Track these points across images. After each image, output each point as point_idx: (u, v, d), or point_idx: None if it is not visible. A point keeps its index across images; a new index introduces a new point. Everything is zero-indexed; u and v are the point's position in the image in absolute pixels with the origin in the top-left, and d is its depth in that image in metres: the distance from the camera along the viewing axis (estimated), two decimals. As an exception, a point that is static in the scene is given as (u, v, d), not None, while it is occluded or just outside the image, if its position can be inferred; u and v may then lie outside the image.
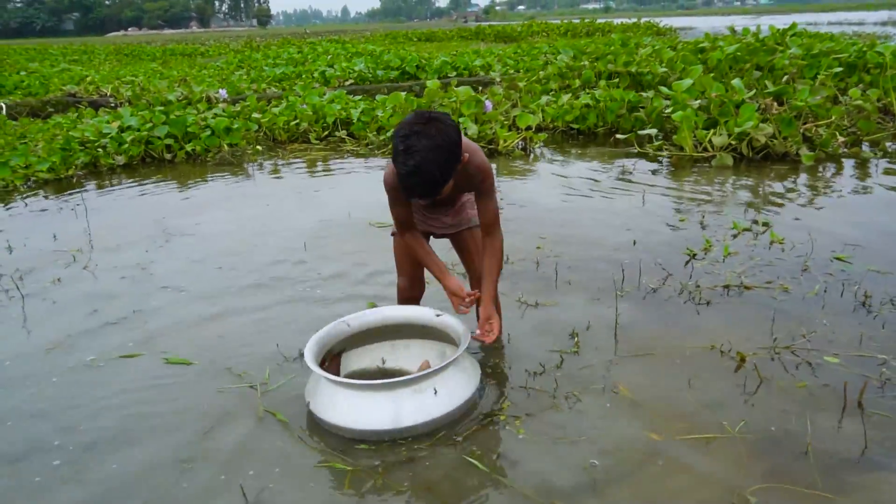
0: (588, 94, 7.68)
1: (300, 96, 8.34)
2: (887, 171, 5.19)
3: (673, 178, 5.28)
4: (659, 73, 8.43)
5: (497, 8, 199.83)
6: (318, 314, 2.99)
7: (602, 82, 8.29)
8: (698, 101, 6.25)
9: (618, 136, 6.75)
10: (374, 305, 2.95)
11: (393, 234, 2.50)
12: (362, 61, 12.45)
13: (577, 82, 8.65)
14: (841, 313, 2.80)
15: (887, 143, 6.12)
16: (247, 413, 2.26)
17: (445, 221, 2.48)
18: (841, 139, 5.68)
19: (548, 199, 4.76)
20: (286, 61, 15.15)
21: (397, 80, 11.47)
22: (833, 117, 5.97)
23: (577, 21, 34.21)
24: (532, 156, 6.34)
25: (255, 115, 7.70)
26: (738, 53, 8.63)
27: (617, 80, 8.53)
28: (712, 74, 7.41)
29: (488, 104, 6.94)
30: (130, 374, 2.57)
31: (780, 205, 4.42)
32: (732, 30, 12.39)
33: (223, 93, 9.42)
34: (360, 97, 8.30)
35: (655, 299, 3.01)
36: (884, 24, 33.85)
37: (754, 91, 6.41)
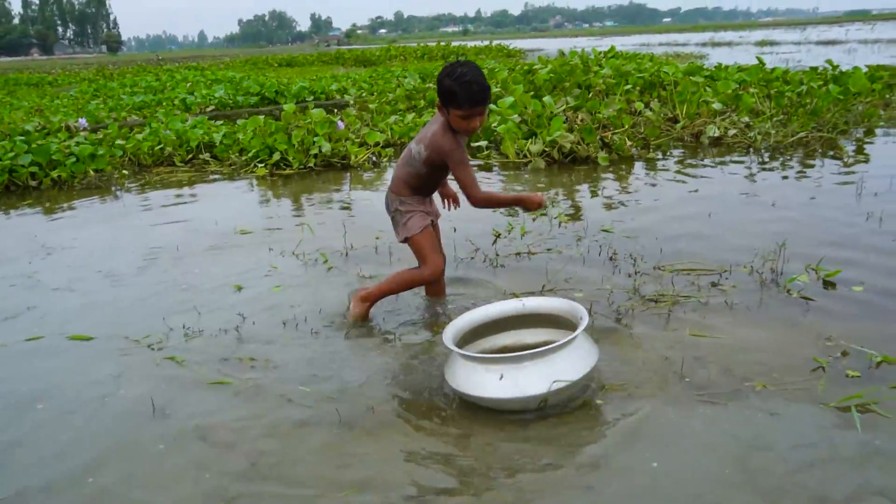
0: (431, 112, 8.67)
1: (163, 122, 8.78)
2: (661, 168, 6.49)
3: (498, 180, 6.31)
4: (493, 92, 9.59)
5: (359, 32, 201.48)
6: (183, 297, 3.66)
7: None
8: (519, 116, 7.38)
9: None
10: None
11: (411, 235, 3.06)
12: (222, 88, 12.92)
13: (423, 102, 9.66)
14: (594, 265, 3.83)
15: (671, 147, 7.50)
16: (148, 362, 2.93)
17: (432, 203, 3.25)
18: (629, 143, 6.96)
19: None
20: (144, 89, 15.27)
21: (257, 105, 12.06)
22: (625, 126, 7.28)
23: (434, 45, 35.85)
24: (380, 168, 7.21)
25: (119, 141, 8.07)
26: (558, 74, 9.97)
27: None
28: (531, 93, 8.58)
29: (340, 124, 7.77)
30: (41, 350, 3.14)
31: (573, 194, 5.53)
32: (561, 52, 13.97)
33: (83, 122, 9.65)
34: (221, 122, 8.86)
35: (465, 266, 3.92)
36: (703, 44, 37.90)
37: (565, 106, 7.63)
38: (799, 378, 2.57)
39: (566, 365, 2.33)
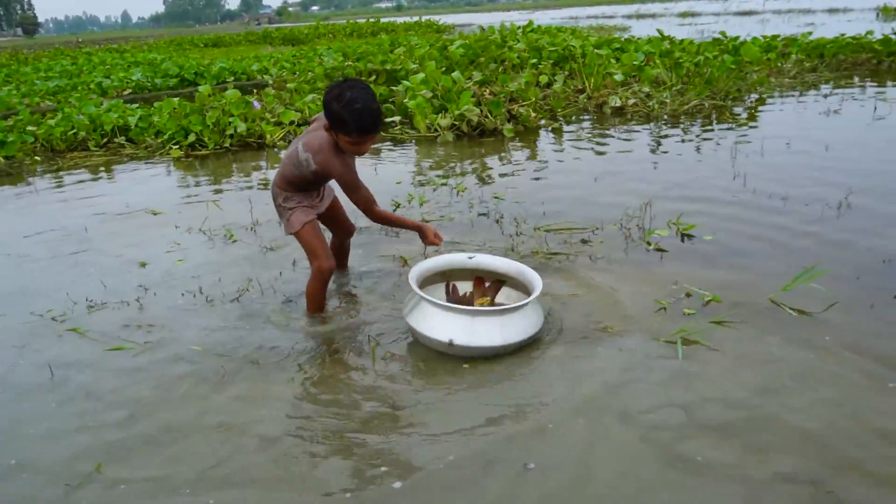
0: (346, 90, 8.82)
1: (76, 107, 8.68)
2: (560, 139, 6.85)
3: (412, 153, 6.56)
4: (410, 68, 9.79)
5: (290, 9, 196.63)
6: (89, 274, 3.82)
7: (364, 80, 9.49)
8: (431, 92, 7.63)
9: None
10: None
11: (294, 232, 3.02)
12: (140, 71, 12.73)
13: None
14: (481, 228, 4.14)
15: (577, 117, 7.88)
16: (51, 334, 3.10)
17: (324, 198, 3.17)
18: (534, 115, 7.29)
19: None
20: (59, 74, 14.85)
21: (176, 87, 11.94)
22: (531, 99, 7.61)
23: (363, 21, 35.59)
24: (297, 146, 7.37)
25: (30, 127, 7.98)
26: (474, 49, 10.23)
27: (375, 77, 9.79)
28: (446, 69, 8.82)
29: (256, 104, 7.86)
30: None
31: (475, 165, 5.83)
32: (481, 28, 14.22)
33: (-8, 109, 9.42)
34: (137, 105, 8.82)
35: (364, 233, 4.18)
36: (629, 16, 38.69)
37: (473, 81, 7.91)
38: (646, 318, 2.94)
39: (522, 324, 2.66)
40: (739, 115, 7.37)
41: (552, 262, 3.59)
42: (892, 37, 10.73)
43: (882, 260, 3.34)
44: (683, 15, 35.58)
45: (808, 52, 10.59)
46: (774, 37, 11.25)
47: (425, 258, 3.29)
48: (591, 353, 2.67)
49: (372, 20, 36.28)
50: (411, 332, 2.82)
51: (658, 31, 10.49)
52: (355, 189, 2.82)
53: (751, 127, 6.73)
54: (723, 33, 10.39)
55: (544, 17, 45.53)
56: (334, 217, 3.35)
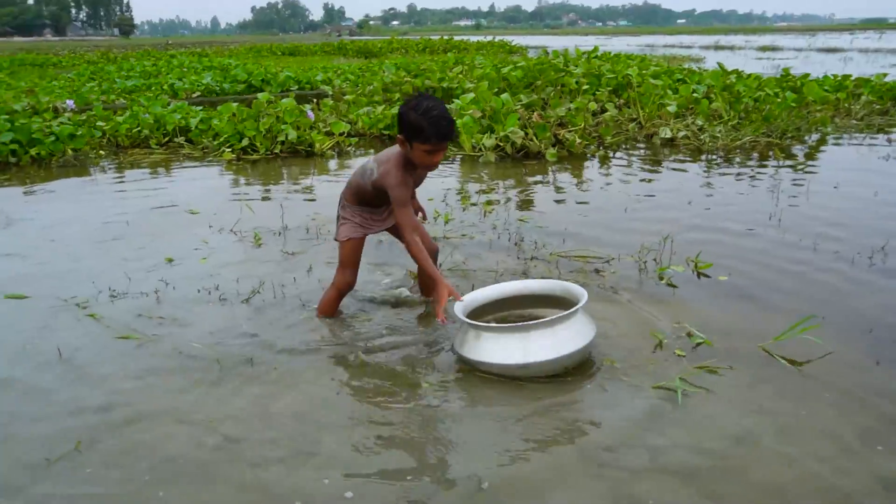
0: (397, 105, 8.99)
1: (144, 106, 9.13)
2: (605, 166, 6.80)
3: (450, 171, 6.64)
4: (466, 87, 9.91)
5: (371, 23, 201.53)
6: (119, 266, 4.01)
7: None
8: (481, 112, 7.70)
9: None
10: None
11: (338, 240, 3.12)
12: (210, 74, 13.26)
13: (398, 95, 9.99)
14: (498, 250, 4.17)
15: (625, 146, 7.81)
16: (71, 318, 3.28)
17: (384, 216, 3.16)
18: (579, 142, 7.27)
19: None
20: (139, 74, 15.62)
21: (243, 92, 12.40)
22: (580, 124, 7.59)
23: (437, 38, 36.10)
24: (344, 157, 7.55)
25: (100, 123, 8.43)
26: (532, 72, 10.27)
27: (432, 93, 9.93)
28: (496, 89, 8.88)
29: (310, 114, 8.10)
30: (-24, 305, 3.50)
31: (510, 186, 5.86)
32: (545, 51, 14.25)
33: (70, 103, 10.00)
34: (201, 108, 9.20)
35: (384, 246, 4.26)
36: (706, 47, 38.05)
37: (523, 103, 7.94)
38: (637, 356, 2.89)
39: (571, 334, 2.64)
40: (796, 154, 7.16)
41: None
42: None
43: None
44: (763, 49, 34.77)
45: (881, 94, 10.20)
46: (846, 76, 10.88)
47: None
48: (573, 386, 2.65)
49: (446, 37, 36.77)
50: (474, 364, 2.73)
51: (719, 63, 10.27)
52: (404, 206, 2.83)
53: (802, 168, 6.53)
54: (786, 70, 10.11)
55: (619, 44, 45.26)
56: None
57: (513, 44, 34.35)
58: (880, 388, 2.59)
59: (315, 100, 10.66)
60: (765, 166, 6.56)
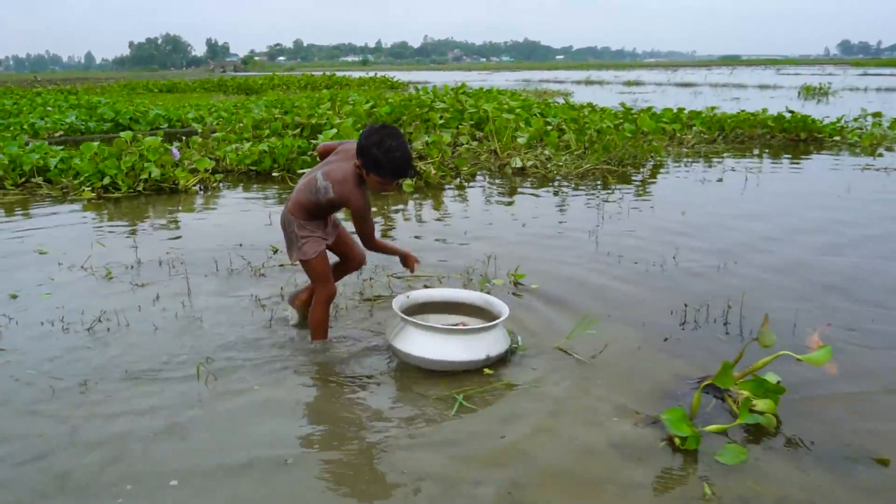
0: (265, 142, 9.24)
1: (-1, 147, 8.89)
2: (455, 195, 7.33)
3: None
4: (335, 123, 10.27)
5: (256, 59, 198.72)
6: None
7: (289, 131, 9.95)
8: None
9: (290, 174, 8.37)
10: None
11: (306, 259, 3.23)
12: (75, 113, 12.97)
13: (267, 131, 10.23)
14: (345, 280, 4.51)
15: (481, 176, 8.40)
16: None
17: (329, 229, 3.38)
18: (434, 172, 7.78)
19: (221, 217, 6.15)
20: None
21: (110, 131, 12.22)
22: (436, 156, 8.11)
23: (319, 75, 36.42)
24: (209, 193, 7.70)
25: (-51, 164, 8.15)
26: (398, 108, 10.79)
27: (300, 129, 10.25)
28: (359, 125, 9.30)
29: (175, 152, 8.20)
30: None
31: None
32: (416, 88, 14.89)
33: (-83, 145, 9.55)
34: (62, 147, 9.07)
35: (235, 275, 4.50)
36: (578, 82, 40.38)
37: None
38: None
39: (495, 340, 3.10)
40: (631, 179, 7.97)
41: (381, 301, 3.96)
42: (785, 114, 11.65)
43: (671, 311, 3.80)
44: (629, 83, 37.32)
45: (710, 125, 11.42)
46: (681, 109, 12.10)
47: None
48: (362, 390, 3.02)
49: (328, 73, 37.16)
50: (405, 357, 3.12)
51: (566, 99, 11.20)
52: (364, 220, 3.09)
53: (630, 191, 7.30)
54: (623, 104, 11.15)
55: (499, 79, 47.26)
56: (345, 247, 3.56)
57: (395, 80, 35.20)
58: (641, 371, 3.12)
59: (184, 137, 10.70)
60: (600, 191, 7.29)
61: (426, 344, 3.03)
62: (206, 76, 50.63)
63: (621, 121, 10.30)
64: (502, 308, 3.22)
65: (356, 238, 3.31)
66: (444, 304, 3.56)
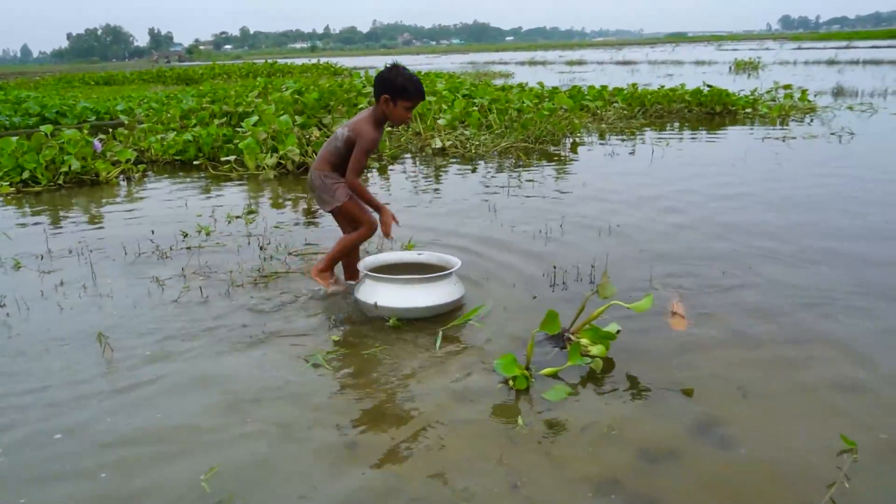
0: (190, 131, 9.32)
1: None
2: (373, 176, 7.56)
3: (236, 187, 7.10)
4: (262, 110, 10.36)
5: (202, 48, 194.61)
6: None
7: (216, 121, 10.03)
8: (266, 133, 8.22)
9: (214, 163, 8.48)
10: None
11: (340, 204, 3.67)
12: (-1, 109, 12.79)
13: (194, 121, 10.28)
14: (244, 253, 4.72)
15: (406, 157, 8.63)
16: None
17: None
18: (354, 155, 7.98)
19: (139, 207, 6.27)
20: (-79, 110, 14.62)
21: (36, 125, 12.06)
22: (358, 140, 8.30)
23: (261, 63, 36.05)
24: (132, 184, 7.78)
25: None
26: (326, 94, 10.94)
27: (227, 117, 10.32)
28: (282, 112, 9.43)
29: (97, 144, 8.24)
30: None
31: (281, 200, 6.44)
32: (357, 75, 15.00)
33: None
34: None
35: (141, 260, 4.68)
36: (522, 63, 40.76)
37: (298, 123, 8.53)
38: (347, 308, 3.55)
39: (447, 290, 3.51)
40: (551, 155, 8.30)
41: (286, 279, 4.19)
42: (703, 89, 12.14)
43: (543, 273, 4.12)
44: (571, 63, 37.87)
45: (631, 102, 11.83)
46: (603, 87, 12.50)
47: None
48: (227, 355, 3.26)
49: (270, 61, 36.81)
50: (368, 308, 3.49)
51: (485, 80, 11.50)
52: (363, 152, 3.54)
53: (540, 166, 7.63)
54: (540, 83, 11.49)
55: (446, 62, 47.33)
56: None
57: (339, 66, 35.05)
58: (507, 328, 3.42)
59: (110, 130, 10.68)
60: (514, 167, 7.60)
61: (409, 294, 3.42)
62: (149, 67, 49.55)
63: (541, 100, 10.62)
64: (455, 261, 3.67)
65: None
66: (403, 264, 3.90)
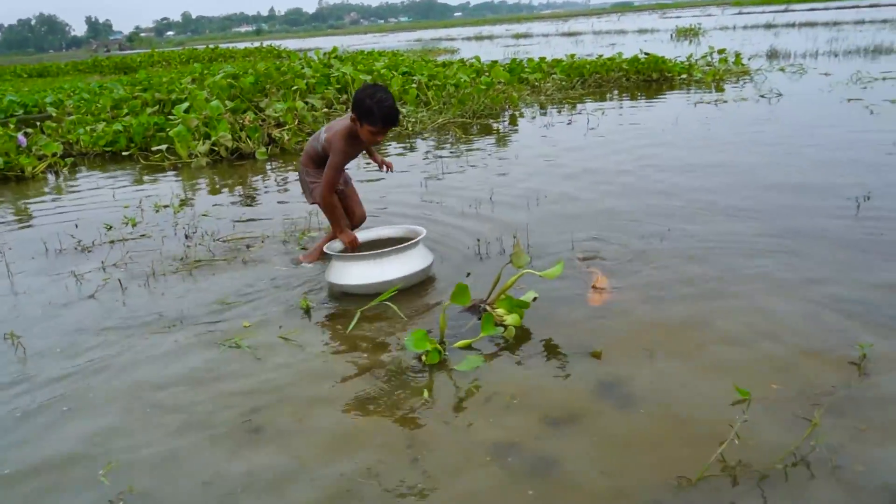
0: (120, 121, 9.07)
1: None
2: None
3: (171, 177, 6.95)
4: (196, 97, 10.13)
5: (143, 35, 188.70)
6: None
7: (148, 109, 9.76)
8: (197, 119, 8.04)
9: (146, 153, 8.27)
10: None
11: (315, 202, 3.77)
12: (-81, 107, 12.24)
13: (126, 110, 10.00)
14: (169, 242, 4.63)
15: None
16: None
17: (344, 182, 3.95)
18: (287, 139, 7.88)
19: (65, 201, 6.09)
20: None
21: (-40, 122, 11.62)
22: (293, 123, 8.20)
23: (202, 48, 35.19)
24: (60, 179, 7.56)
25: None
26: (262, 77, 10.72)
27: (160, 105, 10.06)
28: (212, 98, 9.23)
29: (22, 139, 7.96)
30: None
31: (212, 188, 6.34)
32: (296, 57, 14.68)
33: None
34: None
35: (57, 254, 4.56)
36: (469, 38, 40.57)
37: (228, 108, 8.36)
38: (268, 292, 3.52)
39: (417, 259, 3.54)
40: (491, 129, 8.30)
41: (210, 266, 4.13)
42: (640, 56, 12.25)
43: (468, 246, 4.14)
44: (517, 36, 37.76)
45: (569, 73, 11.88)
46: (542, 59, 12.52)
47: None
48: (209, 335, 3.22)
49: (212, 47, 35.94)
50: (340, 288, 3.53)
51: (422, 57, 11.43)
52: (332, 168, 3.54)
53: (479, 141, 7.63)
54: (477, 58, 11.46)
55: (393, 40, 46.85)
56: (349, 202, 4.01)
57: (283, 49, 34.39)
58: (426, 302, 3.43)
59: (38, 123, 10.34)
60: (451, 143, 7.59)
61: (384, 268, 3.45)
62: (87, 57, 47.88)
63: (478, 75, 10.60)
64: (420, 230, 3.70)
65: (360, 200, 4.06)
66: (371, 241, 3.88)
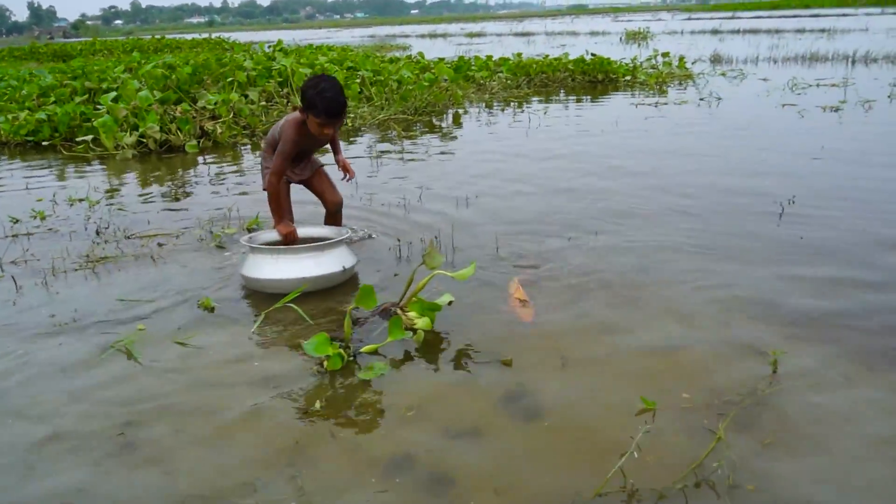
0: (44, 109, 8.64)
1: None
2: (241, 153, 7.23)
3: (97, 170, 6.61)
4: (131, 87, 9.74)
5: (89, 23, 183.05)
6: None
7: (77, 98, 9.33)
8: (126, 110, 7.69)
9: (70, 143, 7.88)
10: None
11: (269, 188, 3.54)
12: None
13: (53, 98, 9.54)
14: (78, 238, 4.37)
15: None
16: None
17: (298, 169, 3.82)
18: (220, 132, 7.61)
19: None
20: None
21: None
22: (227, 116, 7.92)
23: (148, 38, 34.20)
24: (-27, 168, 7.15)
25: None
26: (200, 68, 10.39)
27: (89, 94, 9.63)
28: (143, 86, 8.89)
29: (-68, 127, 7.50)
30: None
31: (130, 182, 6.06)
32: (239, 48, 14.32)
33: None
34: None
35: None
36: (422, 36, 40.41)
37: (157, 99, 8.05)
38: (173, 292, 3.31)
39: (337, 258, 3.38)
40: (434, 127, 8.16)
41: (110, 262, 3.90)
42: (586, 57, 12.28)
43: (388, 248, 4.00)
44: (470, 35, 37.76)
45: (515, 72, 11.84)
46: (489, 57, 12.46)
47: None
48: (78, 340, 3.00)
49: (158, 37, 34.96)
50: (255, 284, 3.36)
51: (367, 52, 11.24)
52: (280, 155, 3.46)
53: (419, 139, 7.50)
54: (420, 54, 11.34)
55: (347, 36, 46.48)
56: (320, 186, 3.95)
57: (232, 41, 33.62)
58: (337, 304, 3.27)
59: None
60: (393, 141, 7.43)
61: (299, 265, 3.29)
62: (26, 44, 46.04)
63: (423, 71, 10.46)
64: (342, 230, 3.67)
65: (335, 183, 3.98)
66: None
